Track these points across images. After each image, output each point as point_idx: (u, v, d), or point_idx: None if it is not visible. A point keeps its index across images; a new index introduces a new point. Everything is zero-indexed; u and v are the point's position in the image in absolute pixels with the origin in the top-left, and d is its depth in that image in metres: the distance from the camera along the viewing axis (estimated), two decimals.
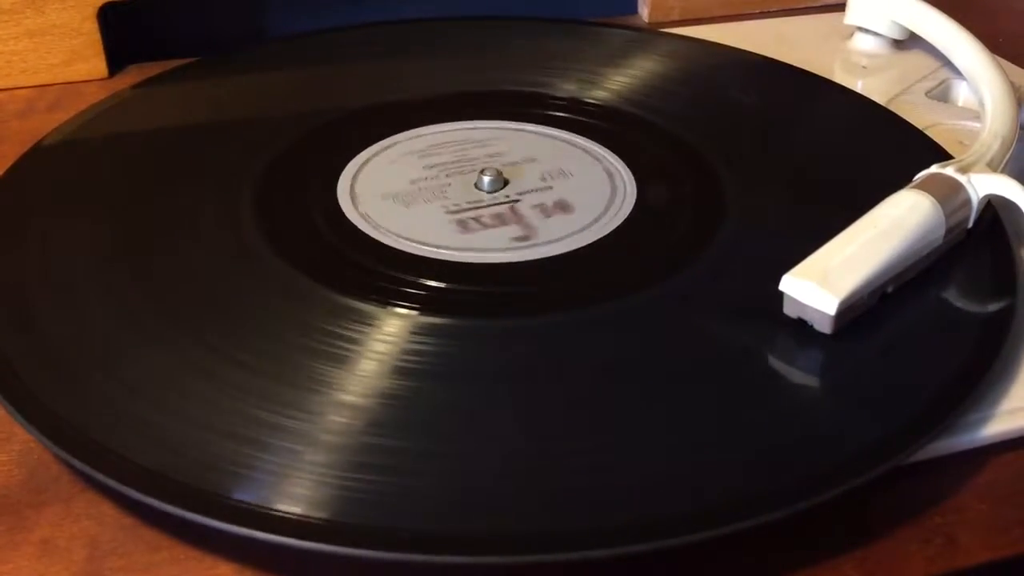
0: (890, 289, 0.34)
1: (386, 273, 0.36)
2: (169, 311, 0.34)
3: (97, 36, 0.52)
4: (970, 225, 0.37)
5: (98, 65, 0.53)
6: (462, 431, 0.30)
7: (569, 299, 0.35)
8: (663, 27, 0.58)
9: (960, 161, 0.38)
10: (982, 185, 0.37)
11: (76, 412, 0.30)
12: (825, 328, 0.33)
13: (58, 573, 0.27)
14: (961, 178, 0.37)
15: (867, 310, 0.33)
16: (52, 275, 0.36)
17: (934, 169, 0.37)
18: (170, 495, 0.27)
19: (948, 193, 0.36)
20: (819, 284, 0.32)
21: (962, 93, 0.51)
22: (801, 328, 0.33)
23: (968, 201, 0.37)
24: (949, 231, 0.36)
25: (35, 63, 0.52)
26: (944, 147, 0.43)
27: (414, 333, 0.33)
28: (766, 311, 0.33)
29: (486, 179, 0.40)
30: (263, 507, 0.27)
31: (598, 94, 0.48)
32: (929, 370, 0.32)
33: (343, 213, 0.39)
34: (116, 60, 0.54)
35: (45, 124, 0.46)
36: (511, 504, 0.28)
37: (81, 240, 0.37)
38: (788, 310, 0.33)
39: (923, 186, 0.36)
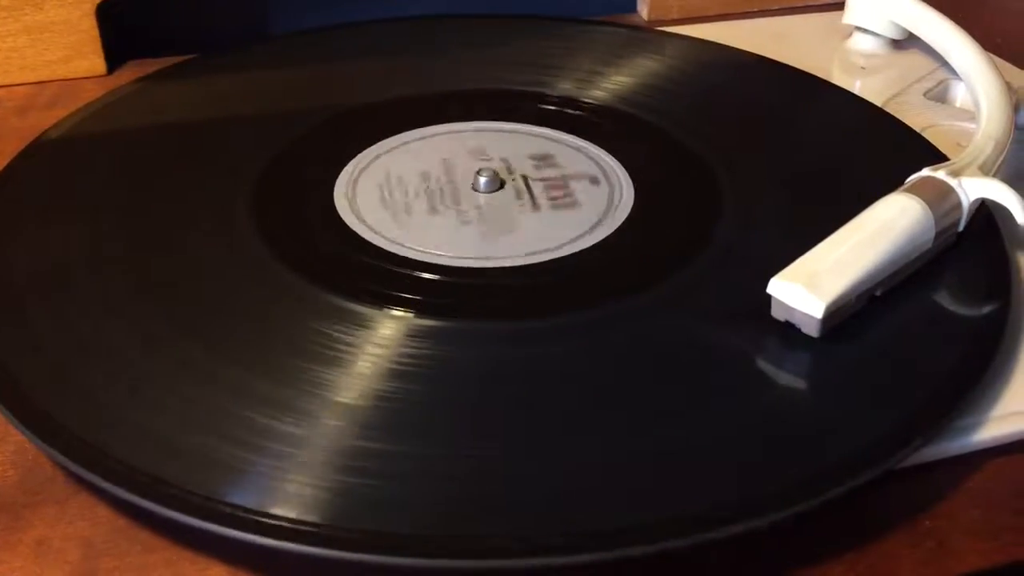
0: (879, 292, 0.34)
1: (381, 275, 0.36)
2: (164, 311, 0.34)
3: (96, 33, 0.52)
4: (961, 229, 0.37)
5: (97, 62, 0.53)
6: (457, 434, 0.30)
7: (564, 302, 0.35)
8: (662, 26, 0.58)
9: (952, 164, 0.38)
10: (973, 189, 0.37)
11: (70, 413, 0.30)
12: (812, 331, 0.33)
13: (52, 573, 0.28)
14: (952, 182, 0.37)
15: (856, 313, 0.34)
16: (48, 274, 0.36)
17: (925, 172, 0.38)
18: (164, 497, 0.27)
19: (939, 197, 0.36)
20: (806, 287, 0.32)
21: (960, 94, 0.51)
22: (795, 332, 0.33)
23: (959, 205, 0.37)
24: (939, 235, 0.36)
25: (33, 60, 0.52)
26: (941, 149, 0.43)
27: (409, 335, 0.33)
28: (760, 314, 0.34)
29: (483, 180, 0.41)
30: (256, 510, 0.27)
31: (596, 93, 0.48)
32: (921, 374, 0.32)
33: (340, 214, 0.39)
34: (115, 57, 0.54)
35: (43, 121, 0.46)
36: (506, 507, 0.28)
37: (77, 239, 0.38)
38: (776, 313, 0.33)
39: (914, 189, 0.36)
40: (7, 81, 0.52)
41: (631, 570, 0.28)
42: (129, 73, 0.53)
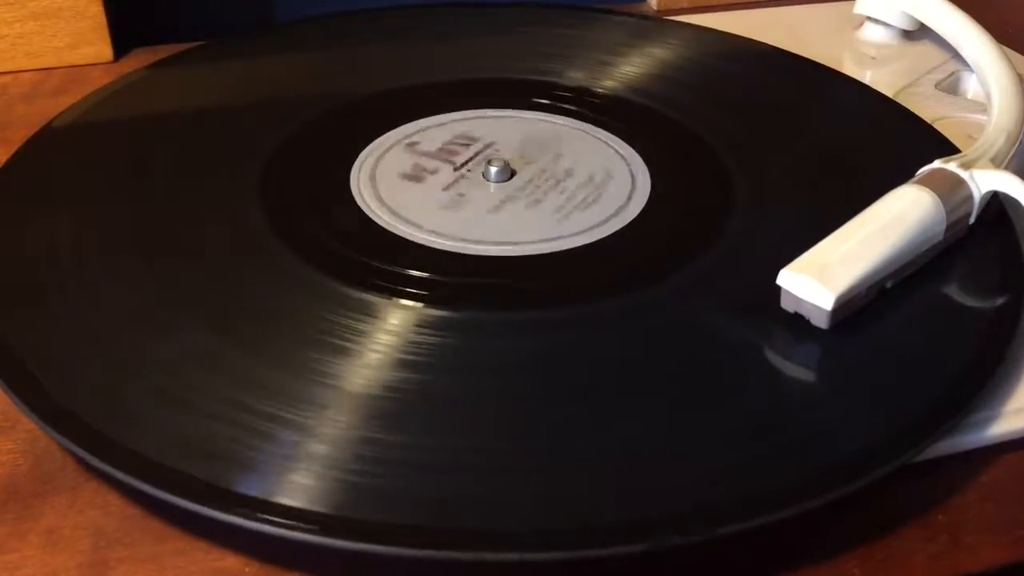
0: (889, 285, 0.34)
1: (391, 264, 0.36)
2: (174, 299, 0.34)
3: (103, 19, 0.52)
4: (972, 221, 0.37)
5: (103, 49, 0.53)
6: (465, 426, 0.30)
7: (574, 293, 0.35)
8: (672, 15, 0.58)
9: (963, 156, 0.38)
10: (985, 181, 0.37)
11: (80, 402, 0.30)
12: (822, 323, 0.33)
13: (64, 563, 0.28)
14: (963, 174, 0.37)
15: (866, 306, 0.33)
16: (58, 261, 0.36)
17: (937, 164, 0.37)
18: (175, 486, 0.27)
19: (950, 189, 0.36)
20: (816, 279, 0.32)
21: (972, 85, 0.51)
22: (807, 325, 0.33)
23: (970, 197, 0.37)
24: (950, 227, 0.36)
25: (40, 46, 0.52)
26: (952, 141, 0.43)
27: (419, 326, 0.33)
28: (769, 306, 0.33)
29: (493, 169, 0.40)
30: (267, 499, 0.27)
31: (607, 82, 0.48)
32: (934, 368, 0.32)
33: (351, 202, 0.39)
34: (121, 44, 0.53)
35: (50, 108, 0.46)
36: (512, 500, 0.28)
37: (87, 226, 0.37)
38: (785, 304, 0.33)
39: (925, 181, 0.36)
40: (14, 67, 0.52)
41: (641, 565, 0.28)
42: (136, 60, 0.52)
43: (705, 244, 0.37)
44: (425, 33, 0.52)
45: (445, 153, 0.42)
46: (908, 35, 0.54)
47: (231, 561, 0.28)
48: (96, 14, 0.52)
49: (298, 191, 0.40)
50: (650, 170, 0.41)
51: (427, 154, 0.42)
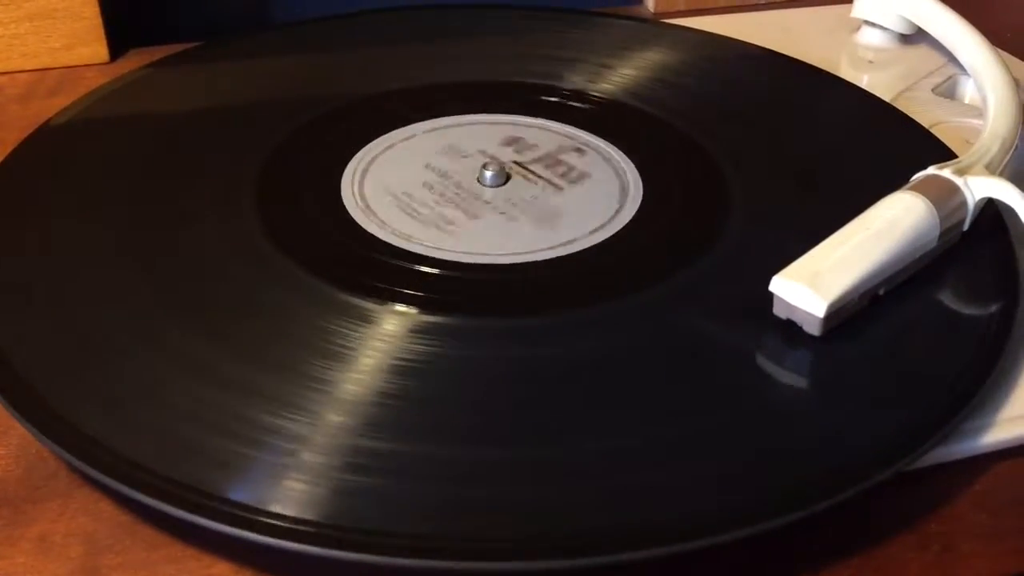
0: (882, 292, 0.34)
1: (386, 270, 0.36)
2: (167, 304, 0.34)
3: (98, 20, 0.52)
4: (966, 228, 0.37)
5: (99, 49, 0.52)
6: (460, 433, 0.30)
7: (569, 299, 0.35)
8: (668, 18, 0.58)
9: (958, 163, 0.38)
10: (979, 188, 0.37)
11: (72, 407, 0.30)
12: (814, 330, 0.32)
13: (55, 570, 0.28)
14: (958, 180, 0.37)
15: (859, 313, 0.33)
16: (51, 265, 0.36)
17: (931, 170, 0.37)
18: (167, 494, 0.27)
19: (944, 196, 0.36)
20: (808, 286, 0.32)
21: (969, 90, 0.51)
22: (800, 331, 0.33)
23: (964, 204, 0.36)
24: (944, 234, 0.36)
25: (36, 47, 0.52)
26: (949, 146, 0.43)
27: (413, 332, 0.33)
28: (762, 312, 0.33)
29: (488, 174, 0.40)
30: (259, 507, 0.27)
31: (602, 86, 0.48)
32: (927, 375, 0.32)
33: (345, 207, 0.39)
34: (117, 44, 0.53)
35: (46, 109, 0.46)
36: (508, 508, 0.28)
37: (81, 230, 0.37)
38: (778, 311, 0.33)
39: (919, 188, 0.36)
40: (9, 68, 0.52)
41: (634, 572, 0.28)
42: (132, 61, 0.52)
43: (700, 249, 0.37)
44: (422, 35, 0.52)
45: (441, 157, 0.42)
46: (905, 39, 0.54)
47: (223, 568, 0.28)
48: (92, 15, 0.52)
49: (295, 194, 0.40)
50: (645, 175, 0.41)
51: (420, 159, 0.42)
